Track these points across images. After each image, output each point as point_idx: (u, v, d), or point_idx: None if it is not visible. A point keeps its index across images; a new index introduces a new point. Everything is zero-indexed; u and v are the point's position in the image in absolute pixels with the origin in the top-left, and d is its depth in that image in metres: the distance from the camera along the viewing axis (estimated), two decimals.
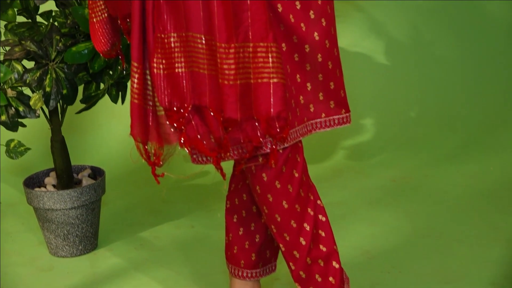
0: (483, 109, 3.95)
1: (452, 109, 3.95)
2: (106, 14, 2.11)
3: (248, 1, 1.83)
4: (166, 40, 1.89)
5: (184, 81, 1.89)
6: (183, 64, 1.89)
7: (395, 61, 4.05)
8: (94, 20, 2.12)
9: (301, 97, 1.99)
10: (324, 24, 1.97)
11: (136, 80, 1.93)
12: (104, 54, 2.16)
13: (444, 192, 3.26)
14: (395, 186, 3.36)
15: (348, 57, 3.90)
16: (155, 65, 1.89)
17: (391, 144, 3.78)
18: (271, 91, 1.85)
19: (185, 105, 1.90)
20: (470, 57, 4.06)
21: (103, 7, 2.10)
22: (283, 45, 1.93)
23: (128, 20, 2.05)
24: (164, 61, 1.89)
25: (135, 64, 1.93)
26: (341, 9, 3.93)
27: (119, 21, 2.09)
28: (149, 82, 1.95)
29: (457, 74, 4.04)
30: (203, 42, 1.85)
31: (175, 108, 1.91)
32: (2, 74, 2.47)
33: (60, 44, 2.60)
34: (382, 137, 3.83)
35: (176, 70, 1.89)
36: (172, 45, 1.89)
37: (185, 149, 1.92)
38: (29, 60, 2.64)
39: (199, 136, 1.91)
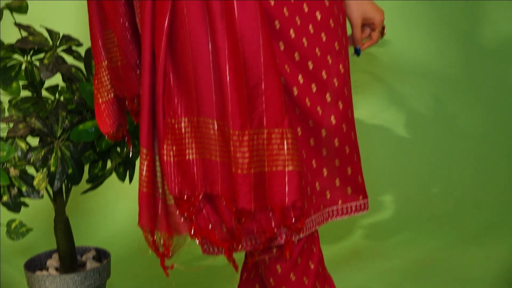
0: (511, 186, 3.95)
1: (477, 186, 3.94)
2: (112, 95, 2.13)
3: (263, 86, 1.82)
4: (176, 126, 1.89)
5: (195, 168, 1.90)
6: (194, 150, 1.89)
7: (416, 134, 4.07)
8: (100, 100, 2.14)
9: (317, 183, 2.00)
10: (341, 107, 1.99)
11: (145, 168, 1.94)
12: (109, 136, 2.17)
13: (469, 276, 3.23)
14: (416, 268, 3.34)
15: (366, 129, 3.93)
16: (165, 152, 1.89)
17: (412, 223, 3.76)
18: (286, 180, 1.85)
19: (196, 193, 1.90)
20: (496, 131, 4.07)
21: (109, 87, 2.12)
22: (299, 129, 1.95)
23: (136, 100, 2.08)
24: (174, 148, 1.89)
25: (145, 151, 1.94)
26: (359, 79, 3.96)
27: (126, 102, 2.11)
28: (158, 169, 1.95)
29: (483, 148, 4.05)
30: (215, 127, 1.85)
31: (185, 197, 1.91)
32: (5, 153, 2.48)
33: (66, 121, 2.62)
34: (402, 215, 3.82)
35: (187, 157, 1.89)
36: (183, 130, 1.89)
37: (196, 239, 1.94)
38: (33, 136, 2.65)
39: (210, 226, 1.91)
